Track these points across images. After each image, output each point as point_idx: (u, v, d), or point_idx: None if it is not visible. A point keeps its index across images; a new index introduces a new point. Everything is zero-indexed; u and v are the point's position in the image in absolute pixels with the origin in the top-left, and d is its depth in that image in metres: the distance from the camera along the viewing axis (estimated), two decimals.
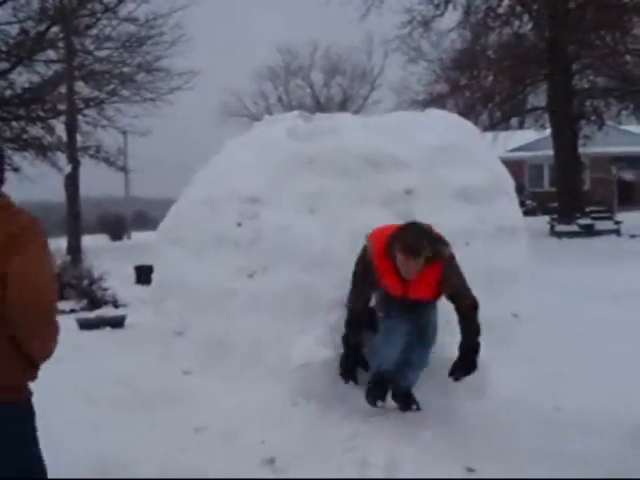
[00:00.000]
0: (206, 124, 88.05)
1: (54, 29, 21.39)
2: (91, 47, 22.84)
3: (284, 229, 5.49)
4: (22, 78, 22.41)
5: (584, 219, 20.41)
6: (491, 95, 22.73)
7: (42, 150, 22.63)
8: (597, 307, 7.51)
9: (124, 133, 27.15)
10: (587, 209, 21.41)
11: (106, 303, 8.76)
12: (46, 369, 2.59)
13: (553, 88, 21.19)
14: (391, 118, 6.59)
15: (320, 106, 44.68)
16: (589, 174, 30.05)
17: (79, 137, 21.38)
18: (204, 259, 5.77)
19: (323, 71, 48.56)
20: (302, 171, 5.78)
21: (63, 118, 21.17)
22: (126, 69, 23.23)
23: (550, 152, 22.69)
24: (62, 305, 8.11)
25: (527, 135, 30.60)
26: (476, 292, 4.23)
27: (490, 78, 22.81)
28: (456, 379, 4.29)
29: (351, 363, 4.48)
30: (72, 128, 19.86)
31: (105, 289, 9.13)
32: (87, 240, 20.82)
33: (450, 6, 21.85)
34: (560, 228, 20.13)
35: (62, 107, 21.53)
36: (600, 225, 20.31)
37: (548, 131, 23.32)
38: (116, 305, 8.83)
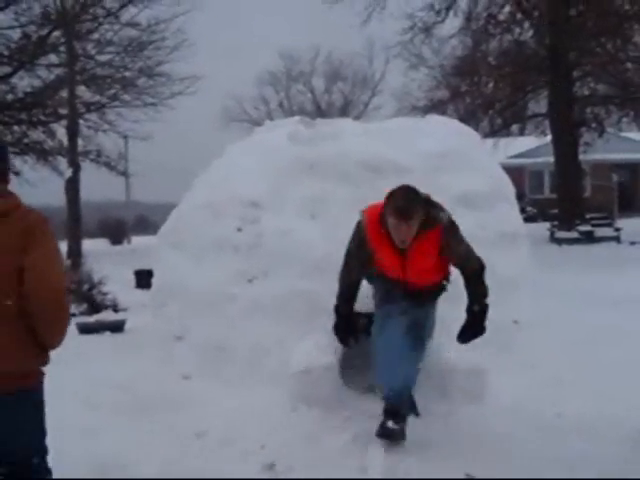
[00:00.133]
0: (207, 129, 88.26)
1: (56, 33, 21.47)
2: (93, 51, 22.92)
3: (285, 234, 5.49)
4: (24, 82, 22.50)
5: (584, 226, 20.44)
6: (492, 102, 22.78)
7: (43, 154, 22.68)
8: (597, 314, 7.51)
9: (125, 137, 27.21)
10: (587, 216, 21.44)
11: (106, 307, 8.74)
12: (46, 373, 2.70)
13: (554, 95, 21.24)
14: (392, 124, 6.60)
15: (321, 112, 44.78)
16: (589, 181, 30.08)
17: (80, 141, 21.48)
18: (204, 264, 5.77)
19: (324, 77, 48.77)
20: (303, 176, 5.79)
21: (64, 122, 21.25)
22: (128, 74, 23.28)
23: (550, 159, 22.73)
24: None
25: (527, 142, 30.64)
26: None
27: (491, 85, 22.88)
28: (464, 342, 4.18)
29: (344, 331, 4.41)
30: (73, 132, 19.94)
31: (105, 293, 9.12)
32: (87, 244, 20.88)
33: (451, 13, 21.99)
34: (560, 235, 20.15)
35: (63, 111, 21.60)
36: (600, 232, 20.34)
37: (549, 138, 23.36)
38: (116, 309, 8.82)
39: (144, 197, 50.23)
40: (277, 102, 48.83)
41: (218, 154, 6.82)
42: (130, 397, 4.88)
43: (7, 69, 21.98)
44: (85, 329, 7.57)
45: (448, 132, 6.41)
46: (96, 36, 22.52)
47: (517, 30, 22.18)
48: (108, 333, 7.60)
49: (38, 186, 21.85)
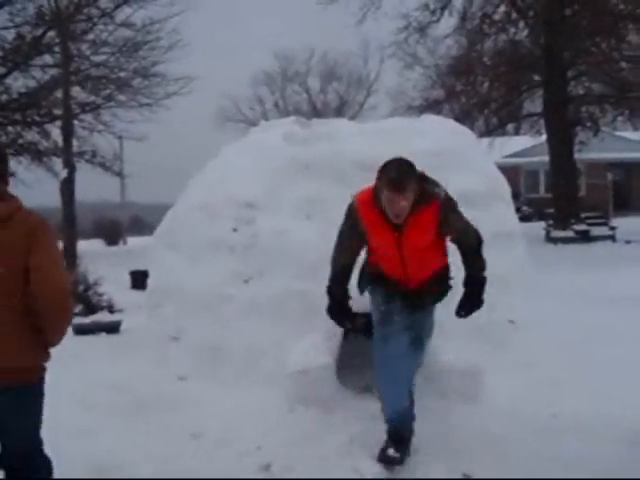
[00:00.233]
0: (203, 129, 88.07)
1: (50, 34, 21.39)
2: (87, 52, 22.82)
3: (280, 234, 5.49)
4: (18, 83, 22.41)
5: (580, 225, 20.48)
6: (487, 101, 22.80)
7: (38, 155, 22.61)
8: (593, 313, 7.51)
9: (120, 138, 27.13)
10: (583, 215, 21.47)
11: (101, 308, 8.71)
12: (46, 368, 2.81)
13: (549, 94, 21.28)
14: (387, 124, 6.60)
15: (316, 112, 44.76)
16: (584, 180, 30.13)
17: (75, 142, 21.37)
18: (200, 264, 5.76)
19: (319, 77, 48.77)
20: (298, 177, 5.79)
21: (59, 123, 21.15)
22: (122, 74, 23.21)
23: (546, 158, 22.77)
24: None
25: (523, 141, 30.69)
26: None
27: (486, 84, 22.90)
28: (463, 316, 4.04)
29: (338, 313, 4.15)
30: (68, 133, 19.85)
31: (100, 294, 9.08)
32: (82, 245, 20.80)
33: (446, 12, 22.00)
34: (556, 234, 20.18)
35: (58, 112, 21.51)
36: (595, 231, 20.37)
37: (544, 137, 23.41)
38: (111, 310, 8.79)
39: (139, 198, 50.03)
40: (272, 102, 48.87)
41: (213, 154, 6.82)
42: (126, 398, 4.87)
43: (1, 70, 21.89)
44: (81, 330, 7.55)
45: (443, 132, 6.41)
46: (91, 36, 22.45)
47: (512, 30, 22.20)
48: (104, 334, 7.58)
49: (33, 187, 21.79)
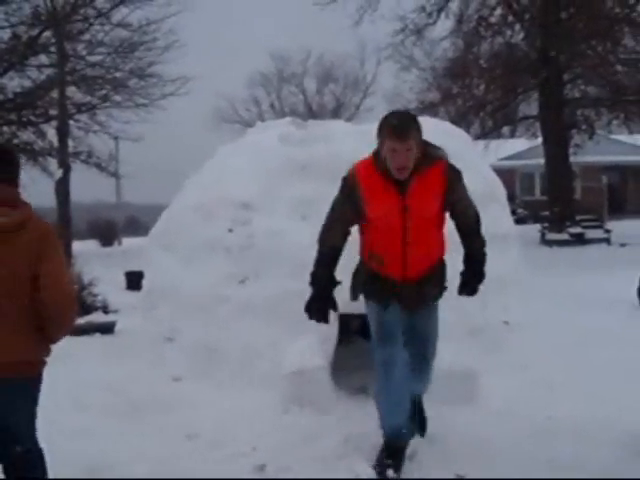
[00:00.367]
0: (198, 130, 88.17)
1: (46, 34, 21.38)
2: (83, 52, 22.83)
3: (276, 235, 5.49)
4: (14, 83, 22.38)
5: (575, 228, 20.55)
6: (483, 104, 22.83)
7: (33, 155, 22.56)
8: (588, 315, 7.53)
9: (116, 138, 27.10)
10: (578, 218, 21.53)
11: (96, 309, 8.70)
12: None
13: (544, 97, 21.34)
14: None
15: (312, 113, 44.78)
16: (580, 183, 30.21)
17: (70, 142, 21.37)
18: (195, 265, 5.75)
19: (316, 78, 48.76)
20: (294, 177, 5.79)
21: (54, 123, 21.15)
22: (118, 74, 23.21)
23: (541, 161, 22.83)
24: None
25: (518, 144, 30.77)
26: (467, 299, 4.19)
27: (482, 87, 22.93)
28: (468, 294, 3.94)
29: (320, 305, 3.80)
30: (63, 133, 19.84)
31: (95, 295, 9.07)
32: (77, 246, 20.77)
33: (442, 15, 22.02)
34: (551, 236, 20.25)
35: (54, 112, 21.50)
36: (590, 234, 20.46)
37: (539, 140, 23.46)
38: (106, 311, 8.78)
39: (135, 198, 50.05)
40: (268, 103, 48.84)
41: (209, 155, 6.81)
42: (120, 399, 4.86)
43: None
44: (75, 331, 7.48)
45: (439, 134, 6.40)
46: (87, 37, 22.46)
47: (508, 32, 22.25)
48: (98, 335, 7.56)
49: (28, 187, 21.74)
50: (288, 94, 49.39)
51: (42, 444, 3.04)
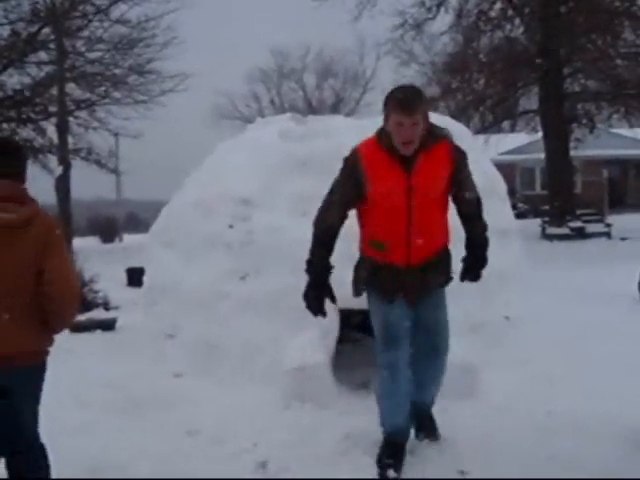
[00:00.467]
0: (198, 126, 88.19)
1: (45, 31, 21.35)
2: (82, 49, 22.80)
3: (276, 231, 5.48)
4: (13, 80, 22.37)
5: (575, 222, 20.54)
6: (483, 98, 22.81)
7: (33, 152, 22.52)
8: (588, 310, 7.53)
9: (116, 135, 27.10)
10: (578, 212, 21.52)
11: (97, 306, 8.70)
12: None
13: (545, 91, 21.30)
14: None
15: (312, 109, 44.70)
16: (580, 177, 30.18)
17: (70, 139, 21.37)
18: (196, 261, 5.75)
19: (315, 73, 48.68)
20: (294, 173, 5.78)
21: (54, 120, 21.15)
22: (118, 71, 23.20)
23: (541, 155, 22.80)
24: None
25: (519, 138, 30.72)
26: (468, 294, 4.19)
27: (482, 81, 22.90)
28: (472, 279, 3.82)
29: (317, 293, 3.64)
30: (63, 130, 19.83)
31: (96, 291, 9.07)
32: (78, 242, 20.74)
33: (442, 9, 22.02)
34: (551, 231, 20.24)
35: (53, 109, 21.49)
36: (591, 228, 20.45)
37: (540, 134, 23.43)
38: (107, 308, 8.78)
39: (135, 195, 50.07)
40: (268, 99, 48.80)
41: (209, 151, 6.81)
42: (121, 395, 4.86)
43: None
44: (76, 327, 7.51)
45: None
46: (86, 33, 22.43)
47: (508, 27, 22.22)
48: (99, 331, 7.56)
49: (28, 184, 21.72)
50: (288, 90, 49.38)
51: (44, 441, 3.05)
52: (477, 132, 22.50)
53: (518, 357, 5.23)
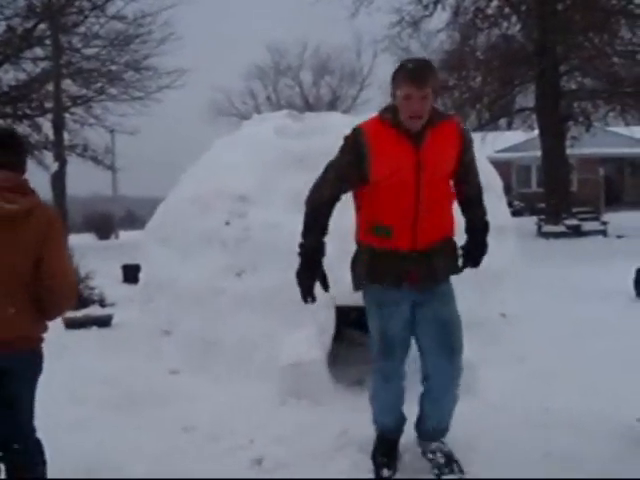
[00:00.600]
0: (195, 123, 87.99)
1: (41, 26, 21.31)
2: (79, 45, 22.77)
3: (273, 227, 5.47)
4: (9, 76, 22.35)
5: (571, 220, 20.56)
6: (479, 96, 22.81)
7: (29, 148, 22.51)
8: (584, 307, 7.55)
9: (112, 131, 27.09)
10: (574, 210, 21.56)
11: (93, 302, 8.69)
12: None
13: (541, 89, 21.31)
14: None
15: (309, 106, 44.71)
16: (576, 175, 30.24)
17: (66, 135, 21.33)
18: (192, 258, 5.74)
19: (312, 70, 48.69)
20: (291, 170, 5.77)
21: (50, 116, 21.09)
22: (114, 67, 23.17)
23: (538, 153, 22.82)
24: None
25: (515, 136, 30.74)
26: (464, 291, 4.18)
27: (478, 79, 22.91)
28: (472, 266, 3.67)
29: (309, 274, 3.42)
30: (59, 126, 19.79)
31: (92, 288, 9.06)
32: (74, 239, 20.70)
33: (439, 7, 21.98)
34: (547, 229, 20.27)
35: (49, 105, 21.45)
36: (587, 226, 20.48)
37: (536, 132, 23.44)
38: (103, 304, 8.77)
39: (131, 191, 49.99)
40: (265, 96, 48.76)
41: (205, 148, 6.80)
42: (117, 392, 4.85)
43: None
44: (72, 324, 7.52)
45: None
46: (82, 29, 22.39)
47: (505, 24, 22.22)
48: (95, 328, 7.55)
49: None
50: (284, 87, 49.36)
51: (39, 437, 3.04)
52: (474, 130, 22.49)
53: (514, 354, 5.24)
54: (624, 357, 5.39)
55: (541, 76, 20.93)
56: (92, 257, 10.18)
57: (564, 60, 21.67)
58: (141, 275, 6.55)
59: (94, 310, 8.22)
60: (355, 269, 3.57)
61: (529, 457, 3.71)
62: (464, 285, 4.22)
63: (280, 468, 3.70)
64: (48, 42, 21.07)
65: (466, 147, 3.43)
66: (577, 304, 7.69)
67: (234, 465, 3.74)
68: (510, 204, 15.52)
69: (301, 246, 3.45)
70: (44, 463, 3.03)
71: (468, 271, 3.86)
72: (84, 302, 8.46)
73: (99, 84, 23.39)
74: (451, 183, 3.52)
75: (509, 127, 33.93)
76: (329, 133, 5.97)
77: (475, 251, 3.66)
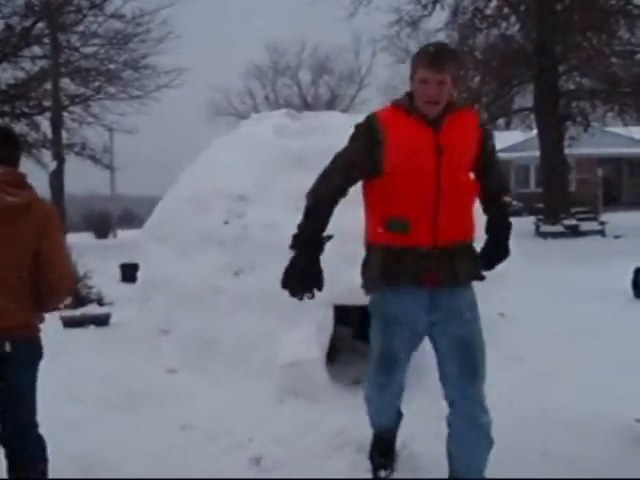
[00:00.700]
0: (193, 122, 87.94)
1: (40, 25, 21.31)
2: (77, 43, 22.76)
3: (271, 227, 5.47)
4: (7, 74, 22.34)
5: (569, 220, 20.56)
6: (478, 95, 22.81)
7: (27, 147, 22.48)
8: (582, 307, 7.56)
9: (110, 130, 27.07)
10: (572, 210, 21.56)
11: (91, 301, 8.69)
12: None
13: (540, 89, 21.31)
14: None
15: (307, 105, 44.71)
16: (575, 175, 30.25)
17: (64, 134, 21.33)
18: (190, 257, 5.74)
19: (311, 70, 48.68)
20: (289, 169, 5.77)
21: (48, 115, 21.09)
22: (112, 66, 23.17)
23: (536, 153, 22.82)
24: None
25: (514, 136, 30.75)
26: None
27: (477, 79, 22.92)
28: (490, 268, 3.36)
29: (303, 269, 3.05)
30: (57, 125, 19.78)
31: (90, 287, 9.06)
32: (72, 238, 20.68)
33: (438, 6, 21.98)
34: (545, 229, 20.27)
35: (47, 104, 21.45)
36: (585, 226, 20.48)
37: (534, 132, 23.45)
38: (101, 303, 8.77)
39: (129, 190, 50.01)
40: (263, 95, 48.76)
41: (204, 147, 6.80)
42: (115, 391, 4.85)
43: None
44: (70, 323, 7.51)
45: None
46: (80, 28, 22.40)
47: (504, 24, 22.23)
48: (93, 327, 7.54)
49: None
50: (283, 86, 49.35)
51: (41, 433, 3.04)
52: None
53: (512, 354, 5.24)
54: (622, 357, 5.40)
55: (540, 76, 20.94)
56: (90, 256, 10.17)
57: (563, 60, 21.67)
58: (139, 274, 6.54)
59: (92, 309, 8.22)
60: (366, 271, 3.22)
61: (527, 457, 3.71)
62: None
63: (278, 467, 3.70)
64: (46, 41, 21.08)
65: (487, 135, 3.20)
66: (575, 304, 7.69)
67: (232, 464, 3.74)
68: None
69: (294, 238, 3.12)
70: (45, 461, 3.03)
71: None
72: (82, 301, 8.46)
73: (97, 83, 23.39)
74: (472, 177, 3.22)
75: (507, 127, 33.93)
76: (327, 132, 5.98)
77: (494, 254, 3.38)
